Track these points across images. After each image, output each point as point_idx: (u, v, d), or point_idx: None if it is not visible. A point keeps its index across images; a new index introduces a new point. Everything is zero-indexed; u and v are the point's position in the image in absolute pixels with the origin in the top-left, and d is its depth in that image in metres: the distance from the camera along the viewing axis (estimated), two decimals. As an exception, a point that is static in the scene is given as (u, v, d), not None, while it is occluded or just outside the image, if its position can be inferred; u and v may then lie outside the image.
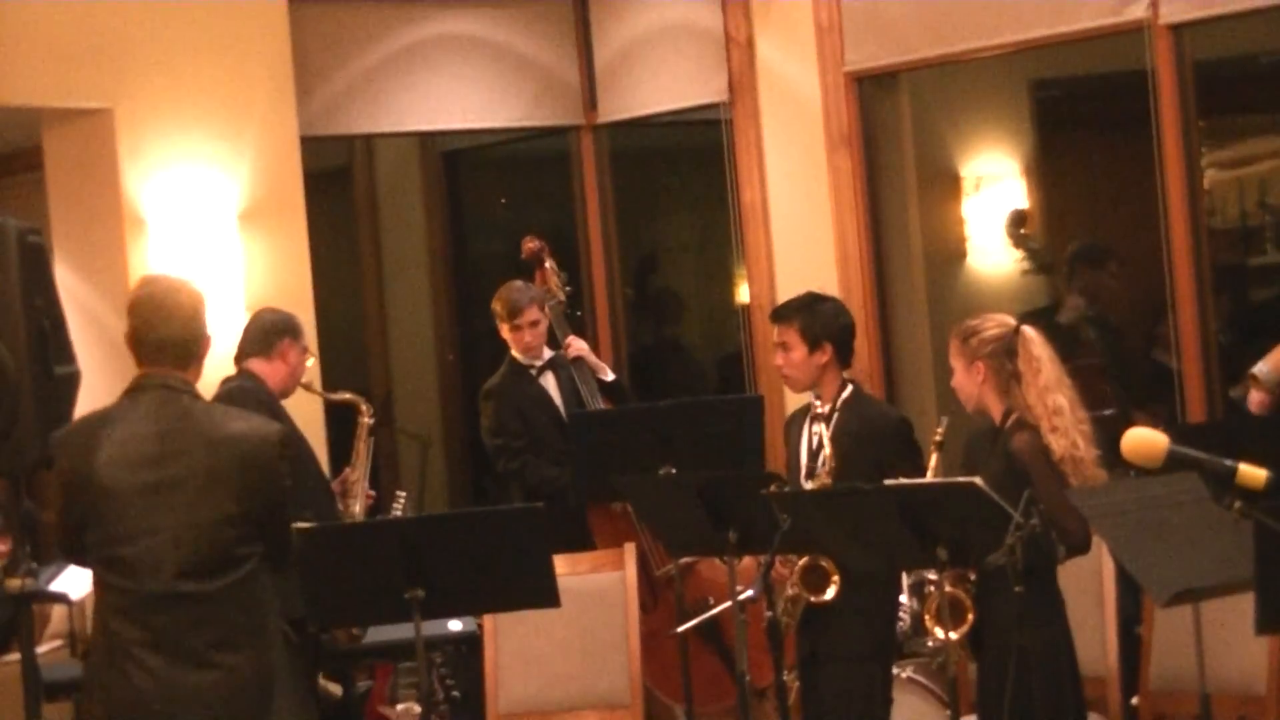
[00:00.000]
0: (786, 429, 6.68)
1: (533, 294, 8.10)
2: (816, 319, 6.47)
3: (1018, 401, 5.76)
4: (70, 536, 5.16)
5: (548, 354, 8.17)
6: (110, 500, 5.01)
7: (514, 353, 8.15)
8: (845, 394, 6.45)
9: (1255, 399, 6.64)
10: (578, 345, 8.19)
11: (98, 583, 5.11)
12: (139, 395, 5.09)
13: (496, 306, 8.11)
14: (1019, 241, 9.22)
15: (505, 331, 8.10)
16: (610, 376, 8.20)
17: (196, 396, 5.15)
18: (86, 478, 5.05)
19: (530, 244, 8.33)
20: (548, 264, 8.30)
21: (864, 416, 6.42)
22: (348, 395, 7.26)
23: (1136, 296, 8.82)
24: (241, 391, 6.63)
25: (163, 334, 5.08)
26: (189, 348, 5.12)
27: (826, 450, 6.25)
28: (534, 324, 8.07)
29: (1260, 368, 6.57)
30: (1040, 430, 5.68)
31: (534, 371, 8.13)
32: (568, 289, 8.45)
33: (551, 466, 7.86)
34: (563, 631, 6.67)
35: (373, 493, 7.10)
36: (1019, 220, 9.23)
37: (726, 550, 6.05)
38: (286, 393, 6.84)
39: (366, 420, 7.07)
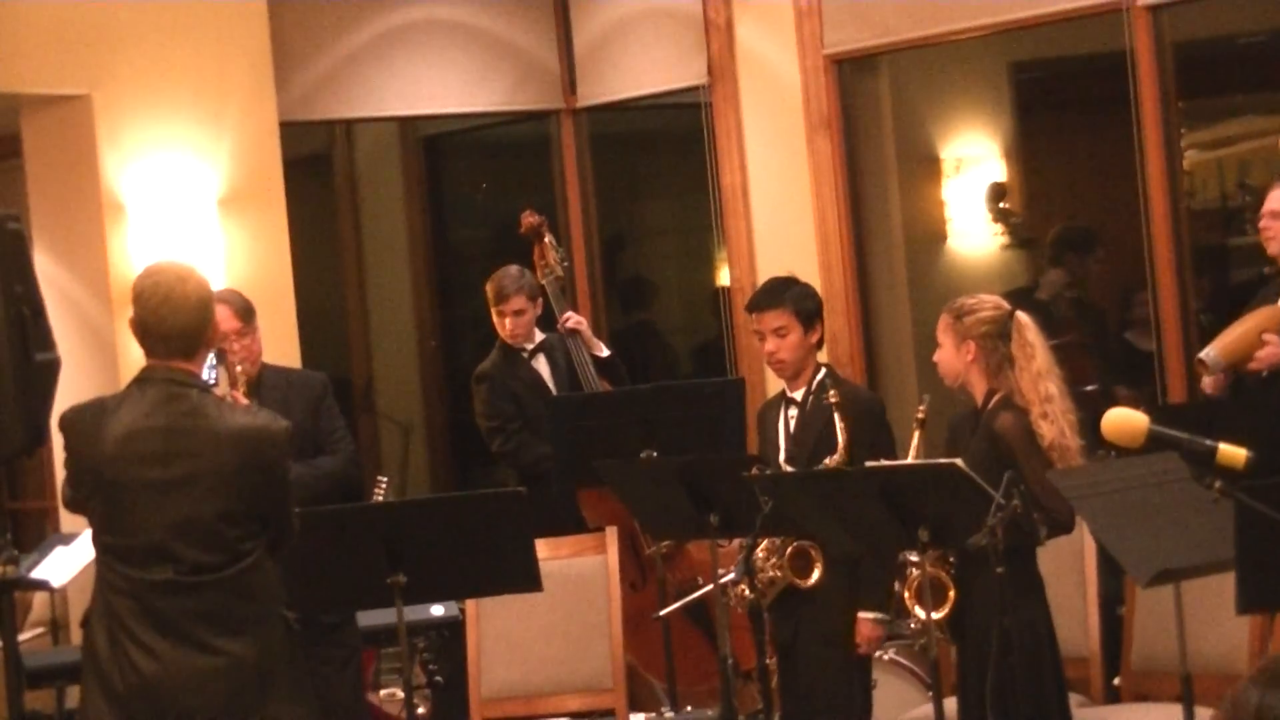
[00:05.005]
0: (760, 417, 6.67)
1: (524, 284, 8.01)
2: (805, 298, 6.47)
3: (1005, 384, 5.76)
4: (77, 505, 5.16)
5: (539, 337, 8.13)
6: (115, 493, 4.99)
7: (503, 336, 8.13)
8: (820, 376, 6.44)
9: (1207, 382, 6.65)
10: (575, 319, 8.16)
11: (98, 557, 5.10)
12: (145, 388, 5.06)
13: (488, 288, 8.09)
14: (999, 215, 9.23)
15: (493, 315, 8.08)
16: (605, 352, 8.15)
17: (204, 390, 5.13)
18: (91, 467, 5.03)
19: (530, 219, 8.25)
20: (546, 239, 8.22)
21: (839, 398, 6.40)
22: None
23: (1116, 278, 8.84)
24: None
25: (170, 327, 5.03)
26: (196, 339, 5.08)
27: (840, 439, 6.19)
28: (517, 313, 8.01)
29: (1208, 352, 6.57)
30: (1030, 415, 5.68)
31: (525, 354, 8.10)
32: (565, 264, 8.41)
33: (546, 445, 7.82)
34: (545, 616, 6.66)
35: None
36: (998, 193, 9.24)
37: (708, 533, 6.04)
38: None
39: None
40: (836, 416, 6.14)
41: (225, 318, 6.65)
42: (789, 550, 6.22)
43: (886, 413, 6.60)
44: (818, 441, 6.25)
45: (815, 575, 6.19)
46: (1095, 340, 8.75)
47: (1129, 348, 8.59)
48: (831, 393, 6.17)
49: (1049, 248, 8.94)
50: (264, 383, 6.81)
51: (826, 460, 6.16)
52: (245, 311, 6.82)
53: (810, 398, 6.41)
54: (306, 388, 6.99)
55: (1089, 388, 7.68)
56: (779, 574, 6.26)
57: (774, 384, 7.17)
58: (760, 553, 6.25)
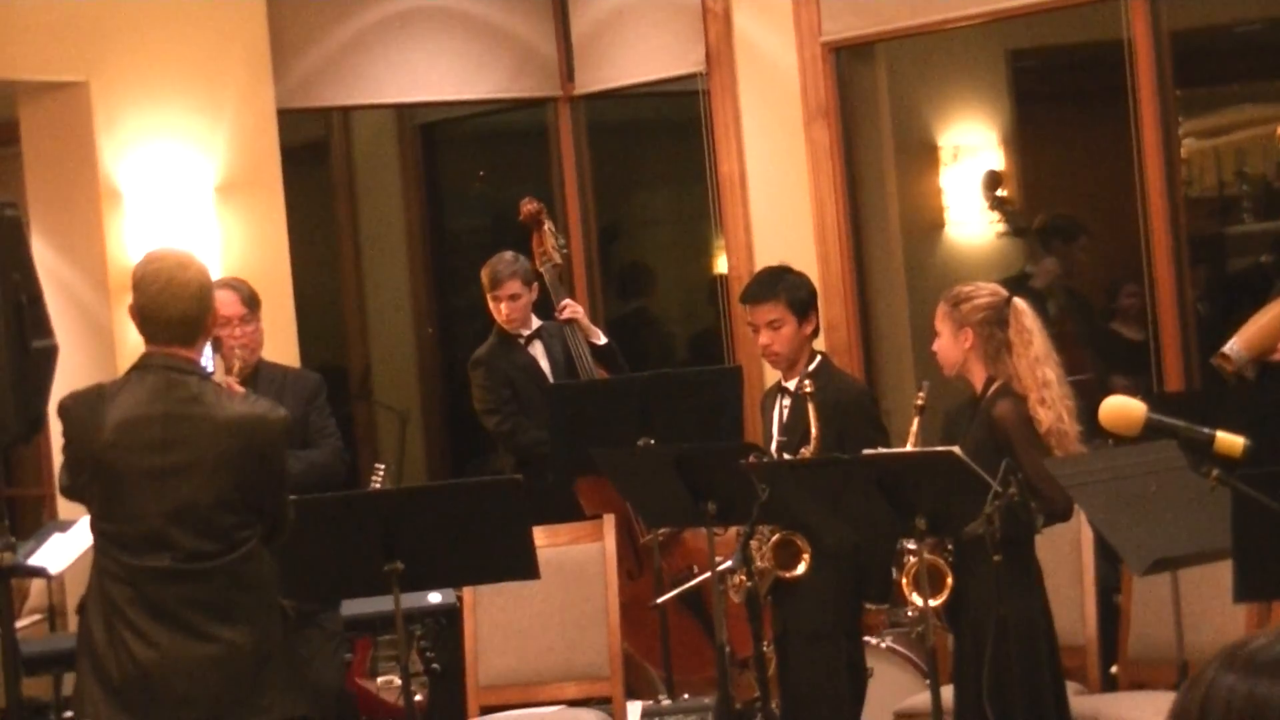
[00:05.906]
0: (761, 405, 6.67)
1: (518, 268, 8.01)
2: (798, 289, 6.45)
3: (1003, 370, 5.77)
4: (72, 491, 5.16)
5: (536, 323, 8.13)
6: (113, 480, 4.99)
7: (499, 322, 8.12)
8: (813, 365, 6.43)
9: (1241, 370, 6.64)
10: (572, 308, 8.15)
11: (95, 544, 5.10)
12: (145, 374, 5.05)
13: (483, 273, 8.09)
14: (994, 203, 9.23)
15: (489, 301, 8.08)
16: (602, 340, 8.15)
17: (203, 378, 5.13)
18: (89, 453, 5.03)
19: (529, 206, 8.24)
20: (546, 226, 8.21)
21: (828, 388, 6.39)
22: None
23: (1112, 266, 8.85)
24: None
25: (171, 313, 5.03)
26: (196, 326, 5.08)
27: (813, 430, 6.19)
28: (513, 297, 8.01)
29: (1231, 345, 6.57)
30: (1028, 401, 5.68)
31: (521, 340, 8.10)
32: (564, 252, 8.40)
33: (542, 429, 7.82)
34: (542, 603, 6.66)
35: None
36: (994, 182, 9.24)
37: (705, 522, 6.04)
38: None
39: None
40: (809, 407, 6.15)
41: (231, 303, 6.68)
42: (773, 540, 6.21)
43: (878, 404, 6.59)
44: (806, 431, 6.26)
45: (801, 567, 6.18)
46: (1084, 329, 8.75)
47: (1116, 338, 8.59)
48: (806, 383, 6.18)
49: (1037, 236, 8.94)
50: (260, 377, 6.82)
51: (801, 451, 6.17)
52: (250, 299, 6.87)
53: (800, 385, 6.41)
54: (301, 386, 7.02)
55: (1083, 376, 7.68)
56: (767, 564, 6.26)
57: (771, 373, 7.17)
58: (752, 542, 6.25)
